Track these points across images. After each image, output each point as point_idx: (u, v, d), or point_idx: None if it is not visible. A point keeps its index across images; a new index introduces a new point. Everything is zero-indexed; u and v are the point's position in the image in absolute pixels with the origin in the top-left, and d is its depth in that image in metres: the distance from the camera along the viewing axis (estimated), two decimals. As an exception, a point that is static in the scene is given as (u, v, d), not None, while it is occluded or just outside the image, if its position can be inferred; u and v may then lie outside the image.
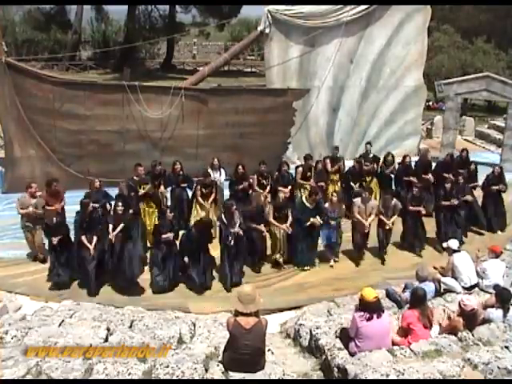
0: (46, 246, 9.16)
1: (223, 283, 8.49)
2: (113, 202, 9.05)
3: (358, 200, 9.42)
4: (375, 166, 11.67)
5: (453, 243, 8.19)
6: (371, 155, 11.91)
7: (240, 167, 10.40)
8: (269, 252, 9.38)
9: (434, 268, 8.74)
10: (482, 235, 10.78)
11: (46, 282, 8.51)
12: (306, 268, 9.14)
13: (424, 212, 10.08)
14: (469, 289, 7.75)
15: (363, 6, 13.90)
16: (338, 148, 12.25)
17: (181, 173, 10.39)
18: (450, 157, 12.03)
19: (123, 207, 8.48)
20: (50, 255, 8.67)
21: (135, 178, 9.77)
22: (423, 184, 10.75)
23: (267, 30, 13.72)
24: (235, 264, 8.48)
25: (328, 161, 11.61)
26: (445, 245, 8.31)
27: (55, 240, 8.36)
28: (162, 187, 10.24)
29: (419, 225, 9.99)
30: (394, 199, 9.57)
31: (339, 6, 13.75)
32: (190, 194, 10.47)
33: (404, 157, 11.68)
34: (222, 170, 10.74)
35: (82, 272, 8.33)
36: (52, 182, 9.57)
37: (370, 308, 5.28)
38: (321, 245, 9.46)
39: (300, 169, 11.24)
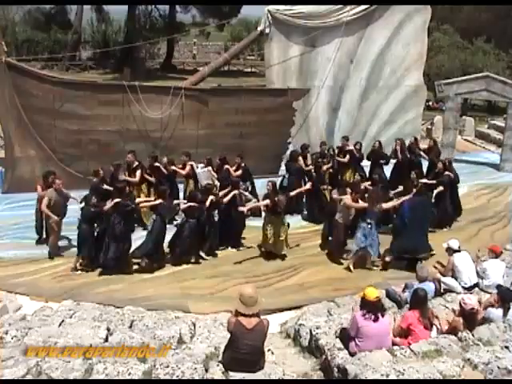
0: None
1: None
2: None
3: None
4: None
5: (453, 243, 8.19)
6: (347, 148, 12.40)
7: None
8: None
9: (434, 267, 8.75)
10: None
11: (46, 282, 8.52)
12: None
13: None
14: (469, 289, 7.75)
15: (363, 6, 13.88)
16: (325, 143, 12.49)
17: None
18: (378, 144, 12.43)
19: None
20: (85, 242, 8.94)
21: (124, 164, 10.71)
22: None
23: (267, 30, 13.70)
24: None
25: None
26: (445, 245, 8.30)
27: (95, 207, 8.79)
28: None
29: None
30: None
31: (339, 6, 13.73)
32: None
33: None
34: (205, 169, 11.04)
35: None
36: (48, 174, 9.79)
37: (373, 307, 5.28)
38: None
39: None
